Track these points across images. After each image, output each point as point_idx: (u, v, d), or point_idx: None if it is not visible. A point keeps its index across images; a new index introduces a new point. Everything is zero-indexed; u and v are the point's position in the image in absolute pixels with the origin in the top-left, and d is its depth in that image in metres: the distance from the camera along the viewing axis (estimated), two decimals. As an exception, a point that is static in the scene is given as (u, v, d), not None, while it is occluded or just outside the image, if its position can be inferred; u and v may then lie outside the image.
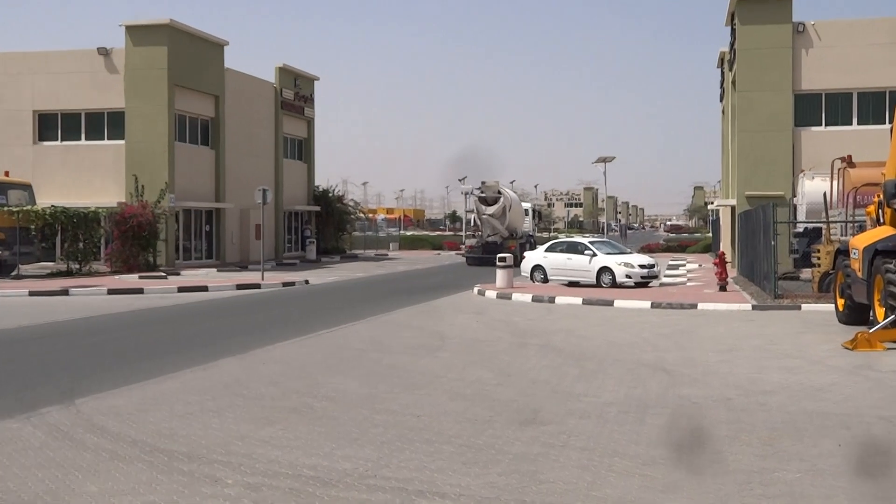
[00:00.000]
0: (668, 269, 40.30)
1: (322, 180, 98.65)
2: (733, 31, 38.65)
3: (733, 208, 38.87)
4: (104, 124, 41.05)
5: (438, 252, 66.11)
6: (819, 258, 24.33)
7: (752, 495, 7.28)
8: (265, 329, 19.14)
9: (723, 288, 26.94)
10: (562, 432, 9.39)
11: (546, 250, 31.74)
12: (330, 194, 57.68)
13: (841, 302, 18.88)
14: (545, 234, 76.60)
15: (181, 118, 41.46)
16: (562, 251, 31.08)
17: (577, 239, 34.37)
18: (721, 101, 51.33)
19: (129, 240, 36.61)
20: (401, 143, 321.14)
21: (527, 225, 52.36)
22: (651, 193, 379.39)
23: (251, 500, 7.19)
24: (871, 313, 17.16)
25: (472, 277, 34.54)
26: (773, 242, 23.26)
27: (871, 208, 19.36)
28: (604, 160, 51.52)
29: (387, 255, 61.62)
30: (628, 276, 28.98)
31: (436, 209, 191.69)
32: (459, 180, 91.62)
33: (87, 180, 40.58)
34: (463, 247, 51.78)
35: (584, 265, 29.83)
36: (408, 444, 8.88)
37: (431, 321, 20.56)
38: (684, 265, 43.93)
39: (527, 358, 14.88)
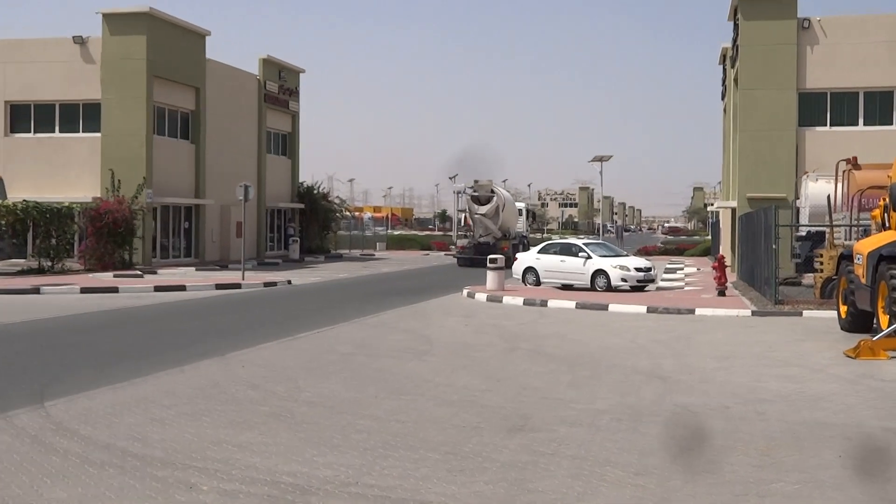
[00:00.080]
0: (665, 272, 40.39)
1: (307, 177, 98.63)
2: (736, 26, 38.78)
3: (734, 210, 38.98)
4: (79, 116, 40.94)
5: (427, 252, 66.14)
6: (822, 263, 24.42)
7: (749, 507, 7.31)
8: (245, 331, 19.11)
9: (722, 293, 27.02)
10: (552, 440, 9.40)
11: (539, 252, 31.77)
12: (315, 191, 57.61)
13: (843, 309, 18.96)
14: (539, 236, 76.64)
15: (160, 110, 41.37)
16: (555, 253, 31.11)
17: (572, 240, 34.42)
18: (723, 98, 51.47)
19: (104, 237, 36.52)
20: (389, 138, 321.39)
21: (520, 225, 52.43)
22: (649, 194, 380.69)
23: (227, 508, 7.19)
24: (875, 321, 17.23)
25: (461, 279, 34.55)
26: (774, 246, 23.35)
27: (877, 212, 19.46)
28: (600, 159, 51.56)
29: (373, 255, 61.61)
30: (624, 280, 29.04)
31: (425, 208, 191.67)
32: (450, 178, 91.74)
33: (60, 174, 40.46)
34: (453, 247, 51.84)
35: (578, 268, 29.88)
36: (392, 451, 8.89)
37: (419, 324, 20.56)
38: (682, 269, 44.05)
39: (517, 363, 14.90)
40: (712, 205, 75.48)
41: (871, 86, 35.90)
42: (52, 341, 17.17)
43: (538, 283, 30.95)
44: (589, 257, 29.81)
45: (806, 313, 22.06)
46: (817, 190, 28.97)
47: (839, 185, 27.64)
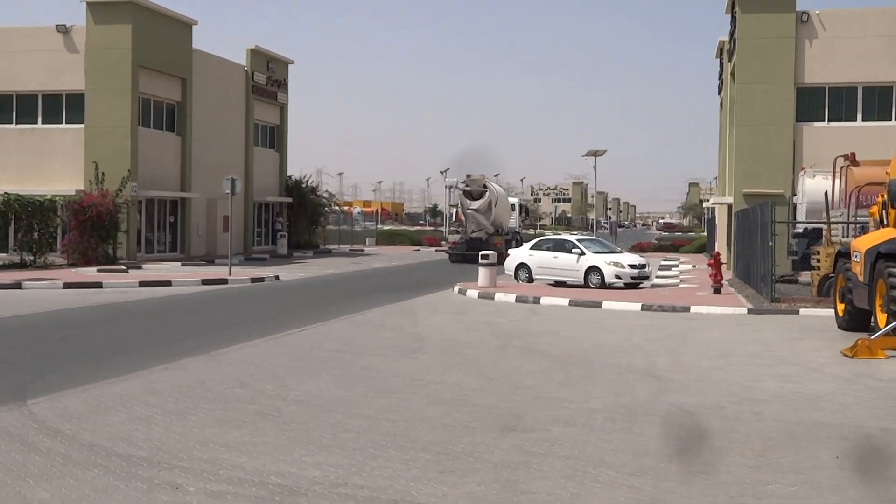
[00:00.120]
0: (659, 269, 40.46)
1: (295, 170, 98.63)
2: (734, 19, 38.83)
3: (730, 206, 39.08)
4: (62, 107, 40.77)
5: (418, 248, 66.14)
6: (819, 261, 24.49)
7: (745, 509, 7.33)
8: (232, 327, 19.09)
9: (717, 290, 27.08)
10: (545, 440, 9.42)
11: (531, 248, 31.80)
12: (303, 185, 57.57)
13: (841, 307, 19.02)
14: (532, 231, 76.75)
15: (145, 102, 41.25)
16: (548, 249, 31.15)
17: (565, 236, 34.46)
18: (719, 93, 51.55)
19: (88, 230, 36.41)
20: (379, 132, 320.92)
21: (513, 221, 52.50)
22: (643, 189, 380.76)
23: (214, 509, 7.18)
24: (873, 319, 17.29)
25: (453, 275, 34.56)
26: (770, 243, 23.39)
27: (875, 209, 19.51)
28: (594, 154, 51.66)
29: (362, 250, 61.61)
30: (618, 277, 29.08)
31: (415, 202, 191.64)
32: (441, 172, 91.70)
33: (43, 166, 40.28)
34: (444, 243, 51.86)
35: (571, 264, 29.91)
36: (381, 451, 8.89)
37: (409, 321, 20.56)
38: (677, 266, 44.14)
39: (509, 361, 14.91)
40: (708, 201, 75.64)
41: (871, 81, 36.00)
42: (35, 337, 17.12)
43: (531, 279, 30.98)
44: (582, 254, 29.85)
45: (803, 311, 22.13)
46: (815, 186, 29.05)
47: (837, 181, 27.72)
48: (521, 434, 9.70)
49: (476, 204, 46.10)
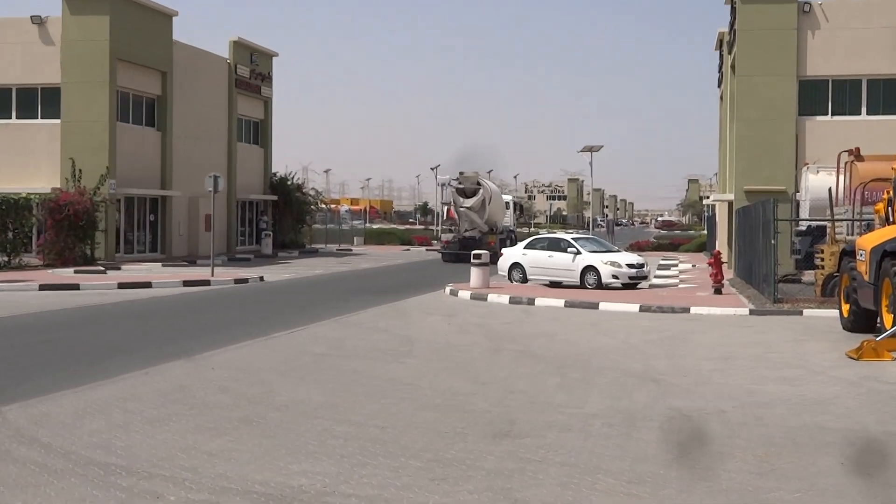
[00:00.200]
0: (658, 269, 40.53)
1: (280, 167, 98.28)
2: (733, 9, 38.92)
3: (731, 204, 39.16)
4: (38, 101, 40.69)
5: (408, 247, 66.15)
6: (823, 259, 24.55)
7: (747, 517, 7.34)
8: (215, 330, 19.06)
9: (718, 290, 27.12)
10: (540, 446, 9.42)
11: (525, 247, 31.81)
12: (288, 182, 57.55)
13: (846, 307, 19.06)
14: (526, 230, 76.87)
15: (124, 96, 41.18)
16: (543, 248, 31.15)
17: (560, 235, 34.47)
18: (719, 86, 51.68)
19: (65, 230, 36.32)
20: (367, 127, 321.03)
21: (507, 219, 52.58)
22: (641, 186, 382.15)
23: (196, 519, 7.16)
24: (879, 320, 17.32)
25: (444, 276, 34.56)
26: (773, 241, 23.45)
27: (880, 206, 19.56)
28: (590, 149, 51.76)
29: (350, 250, 61.62)
30: (615, 277, 29.10)
31: (405, 200, 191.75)
32: (432, 169, 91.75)
33: (17, 163, 40.17)
34: (435, 242, 51.88)
35: (566, 264, 29.92)
36: (370, 458, 8.88)
37: (399, 323, 20.56)
38: (676, 265, 44.21)
39: (502, 365, 14.92)
40: (708, 198, 75.79)
41: (875, 73, 36.11)
42: (9, 342, 17.06)
43: (525, 280, 30.99)
44: (578, 253, 29.86)
45: (806, 312, 22.18)
46: (818, 182, 29.12)
47: (841, 177, 27.78)
48: (515, 440, 9.70)
49: (469, 202, 46.13)
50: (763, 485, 8.16)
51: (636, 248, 57.69)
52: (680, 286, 31.80)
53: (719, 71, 50.96)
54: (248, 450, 9.19)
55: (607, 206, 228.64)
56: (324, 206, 67.68)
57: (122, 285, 29.04)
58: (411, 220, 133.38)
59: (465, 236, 46.42)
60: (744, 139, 36.38)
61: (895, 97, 36.12)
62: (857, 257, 18.44)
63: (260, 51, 53.76)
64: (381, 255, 55.33)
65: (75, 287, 28.57)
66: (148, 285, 29.43)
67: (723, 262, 28.67)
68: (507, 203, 53.09)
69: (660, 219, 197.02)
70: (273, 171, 56.66)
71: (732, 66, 40.24)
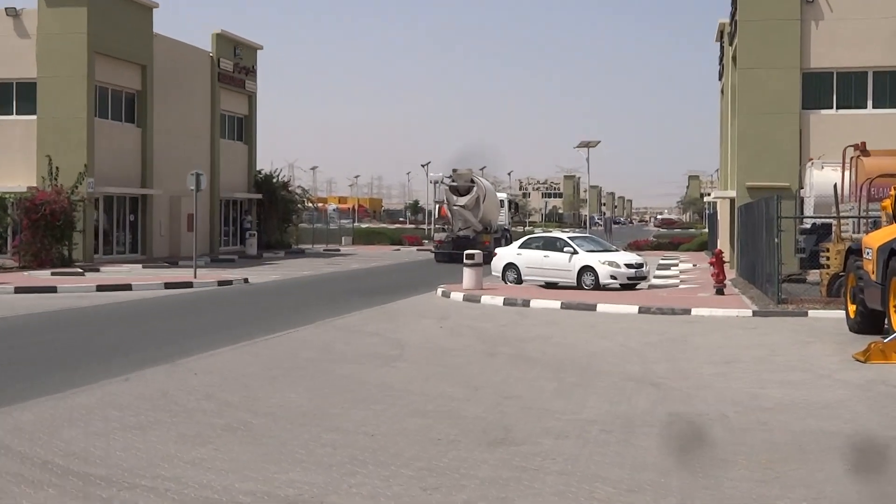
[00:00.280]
0: (658, 269, 40.60)
1: (265, 164, 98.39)
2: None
3: (732, 201, 39.19)
4: (13, 97, 40.58)
5: (398, 247, 66.15)
6: (828, 258, 24.59)
7: (751, 526, 7.35)
8: (198, 334, 19.04)
9: (720, 291, 27.17)
10: (536, 454, 9.42)
11: (520, 247, 31.82)
12: (274, 180, 57.51)
13: (852, 308, 19.09)
14: (521, 229, 76.88)
15: (102, 91, 41.10)
16: (538, 248, 31.16)
17: (556, 234, 34.50)
18: (720, 79, 51.75)
19: (41, 230, 36.23)
20: (355, 123, 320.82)
21: (502, 218, 52.62)
22: (640, 183, 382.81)
23: (179, 531, 7.15)
24: (886, 321, 17.35)
25: (435, 277, 34.57)
26: (776, 240, 23.49)
27: (887, 202, 19.58)
28: (587, 145, 51.77)
29: (338, 250, 61.60)
30: (613, 277, 29.12)
31: (395, 198, 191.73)
32: (423, 166, 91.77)
33: (-9, 161, 40.08)
34: (427, 241, 51.89)
35: (563, 264, 29.94)
36: (360, 467, 8.87)
37: (389, 326, 20.55)
38: (677, 265, 44.29)
39: (497, 369, 14.92)
40: (709, 195, 75.89)
41: (881, 65, 36.13)
42: (-17, 347, 17.02)
43: (519, 280, 30.99)
44: (575, 252, 29.87)
45: (811, 313, 22.23)
46: (823, 178, 29.18)
47: (847, 172, 27.86)
48: (511, 447, 9.69)
49: (463, 200, 46.14)
50: (767, 493, 8.17)
51: (635, 247, 57.76)
52: (680, 287, 31.85)
53: (720, 63, 51.02)
54: (233, 458, 9.18)
55: (605, 204, 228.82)
56: (311, 204, 67.64)
57: (100, 288, 28.98)
58: (402, 219, 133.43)
59: (458, 236, 46.44)
60: (745, 134, 36.40)
61: (902, 90, 36.16)
62: (864, 256, 18.47)
63: (244, 44, 53.70)
64: (370, 255, 55.32)
65: (52, 290, 28.51)
66: (128, 288, 29.38)
67: (724, 262, 28.71)
68: (501, 201, 53.12)
69: (659, 217, 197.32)
70: (258, 168, 56.61)
71: (733, 58, 40.29)
